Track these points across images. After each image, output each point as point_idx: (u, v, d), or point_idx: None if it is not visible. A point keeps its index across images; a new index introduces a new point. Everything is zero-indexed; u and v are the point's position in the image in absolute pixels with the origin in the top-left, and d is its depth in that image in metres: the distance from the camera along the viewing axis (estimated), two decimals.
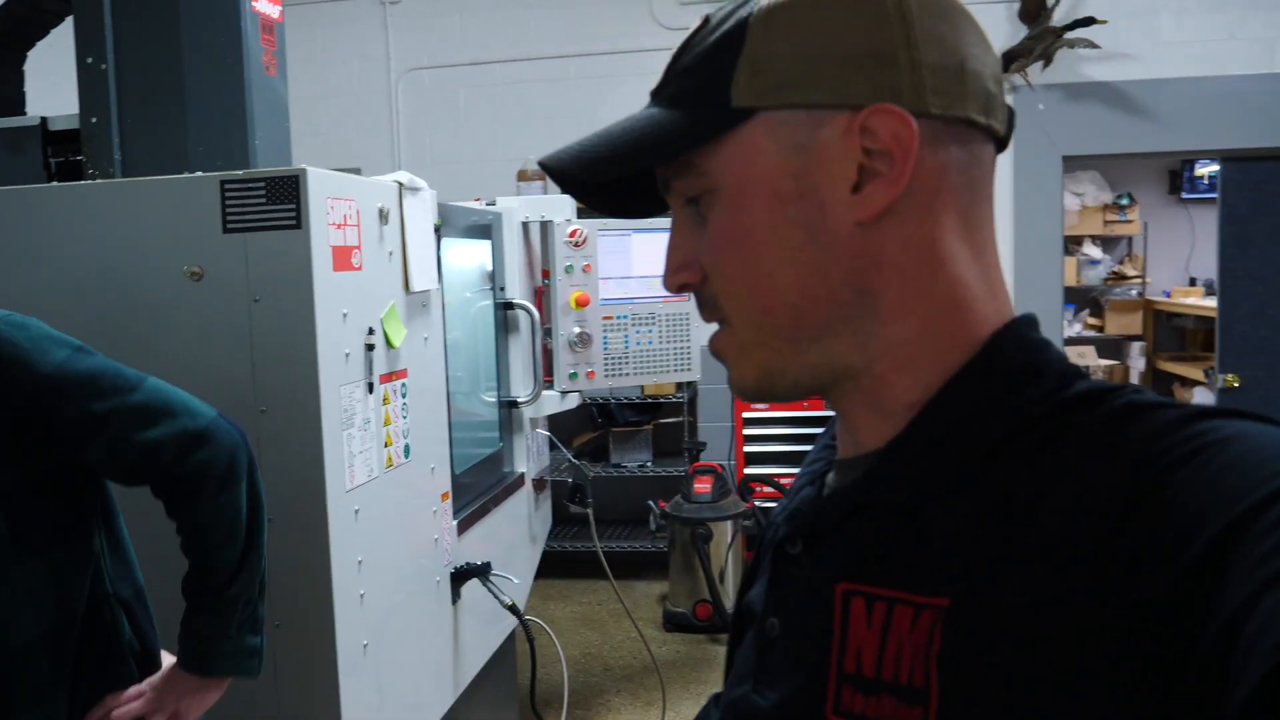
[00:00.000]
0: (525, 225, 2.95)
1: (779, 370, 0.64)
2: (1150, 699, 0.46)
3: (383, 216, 1.98)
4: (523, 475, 2.92)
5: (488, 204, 2.92)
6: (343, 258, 1.82)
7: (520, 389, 2.90)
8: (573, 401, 3.10)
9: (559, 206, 3.01)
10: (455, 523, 2.36)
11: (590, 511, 3.00)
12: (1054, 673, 0.50)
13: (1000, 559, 0.54)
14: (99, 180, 1.97)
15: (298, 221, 1.71)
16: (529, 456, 2.97)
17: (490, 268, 2.79)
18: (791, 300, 0.61)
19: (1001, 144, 0.65)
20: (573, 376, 2.96)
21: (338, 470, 1.78)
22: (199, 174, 1.79)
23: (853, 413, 0.65)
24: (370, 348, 1.90)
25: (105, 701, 1.39)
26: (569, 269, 2.94)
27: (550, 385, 2.98)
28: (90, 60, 2.15)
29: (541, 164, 0.66)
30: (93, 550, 1.38)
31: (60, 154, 2.30)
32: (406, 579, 2.08)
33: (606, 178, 0.65)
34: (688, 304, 3.02)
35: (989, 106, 0.62)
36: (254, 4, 2.05)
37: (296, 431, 1.74)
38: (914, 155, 0.58)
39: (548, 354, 3.00)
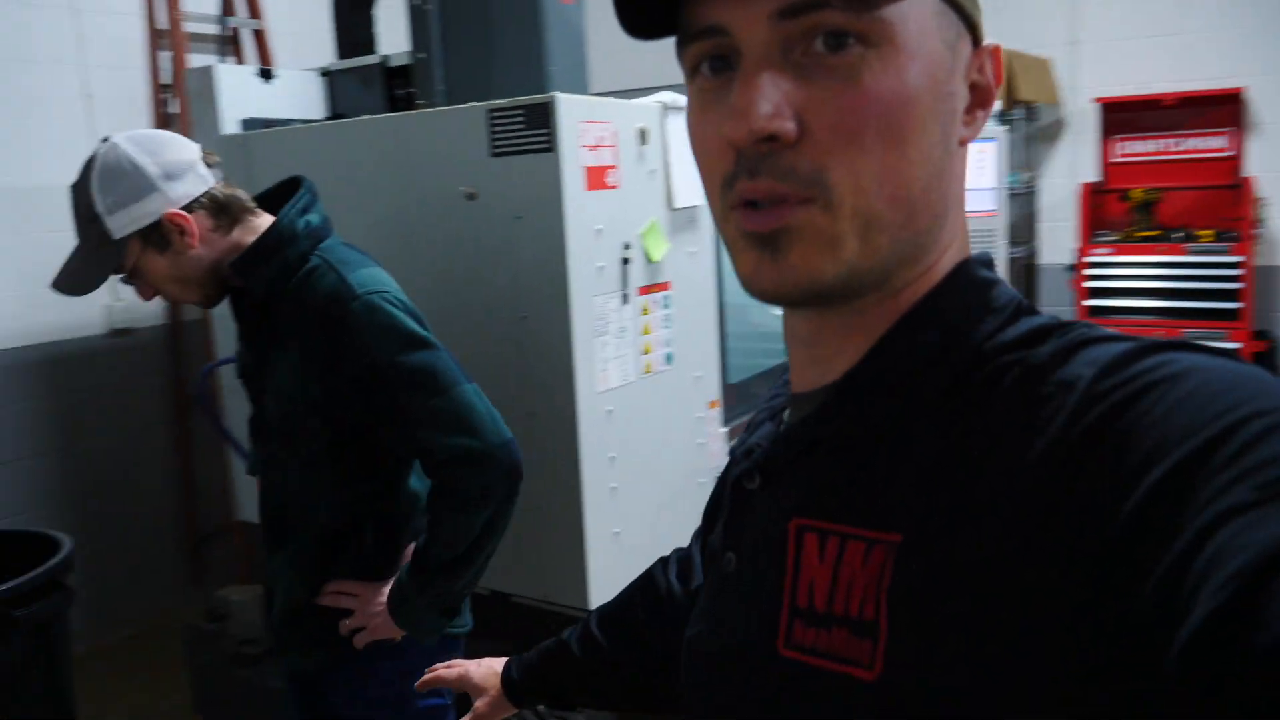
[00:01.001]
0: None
1: (864, 270, 0.57)
2: (1097, 634, 0.45)
3: (642, 137, 2.08)
4: None
5: None
6: (597, 177, 1.95)
7: None
8: None
9: None
10: (725, 429, 2.47)
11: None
12: (1002, 606, 0.49)
13: (953, 494, 0.53)
14: (402, 112, 2.25)
15: (550, 145, 1.86)
16: None
17: None
18: (914, 197, 0.56)
19: None
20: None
21: (589, 373, 1.95)
22: (471, 104, 1.99)
23: (834, 339, 0.62)
24: (626, 261, 2.04)
25: (332, 583, 1.61)
26: None
27: None
28: (417, 2, 2.43)
29: None
30: (388, 463, 1.61)
31: (400, 87, 2.64)
32: (666, 477, 2.23)
33: None
34: None
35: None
36: None
37: (551, 337, 1.93)
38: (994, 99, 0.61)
39: None
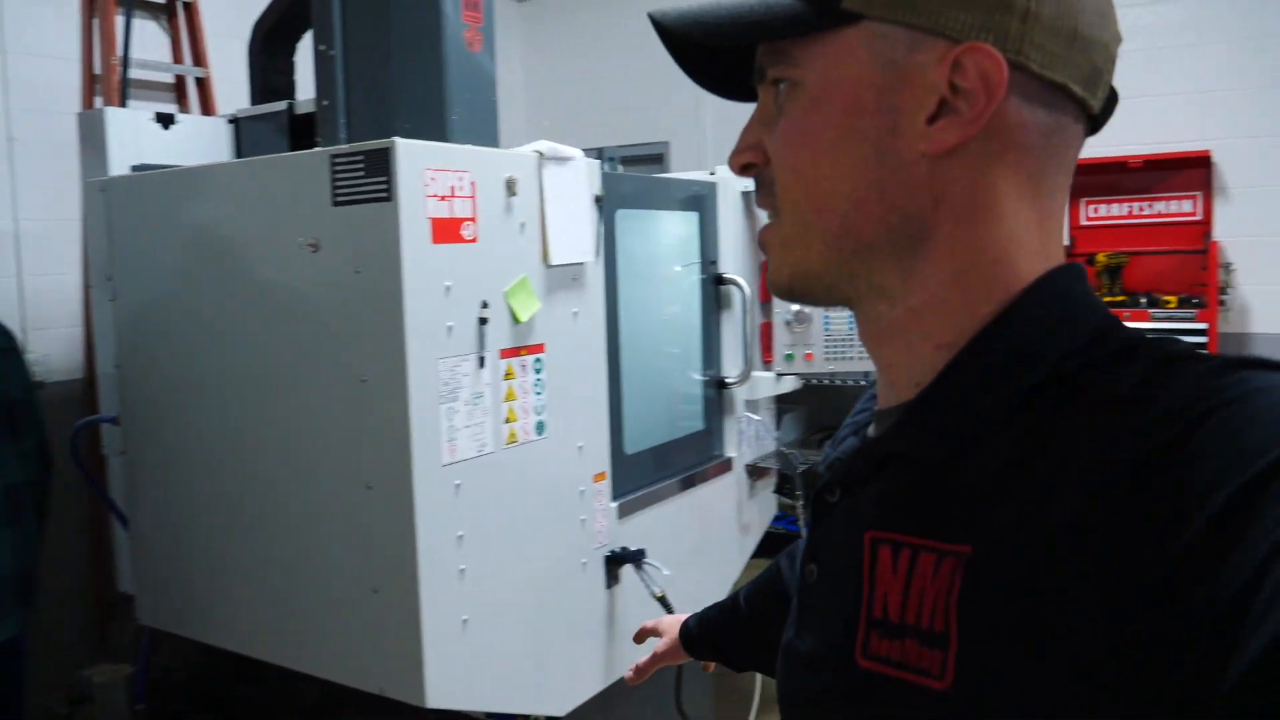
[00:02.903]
0: (747, 194, 2.77)
1: (815, 273, 0.65)
2: (1154, 659, 0.45)
3: (510, 188, 1.93)
4: (730, 460, 2.77)
5: (709, 173, 2.78)
6: (448, 229, 1.80)
7: (732, 369, 2.74)
8: (790, 384, 2.88)
9: None
10: (615, 504, 2.28)
11: (799, 504, 2.77)
12: (1065, 622, 0.50)
13: (1023, 509, 0.54)
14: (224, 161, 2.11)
15: (388, 194, 1.71)
16: (742, 441, 2.81)
17: (699, 240, 2.66)
18: (843, 208, 0.62)
19: (1095, 123, 0.65)
20: (789, 358, 2.75)
21: (432, 444, 1.78)
22: (316, 149, 1.85)
23: (887, 351, 0.66)
24: (484, 321, 1.88)
25: None
26: None
27: (770, 366, 2.79)
28: (323, 47, 2.31)
29: (652, 17, 0.66)
30: None
31: (308, 134, 2.51)
32: (538, 557, 2.05)
33: (707, 44, 0.64)
34: None
35: (1092, 80, 0.61)
36: None
37: (390, 402, 1.76)
38: (996, 102, 0.58)
39: (770, 334, 2.81)
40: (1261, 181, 4.07)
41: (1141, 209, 4.20)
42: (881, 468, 0.65)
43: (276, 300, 1.92)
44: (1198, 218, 4.12)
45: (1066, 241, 4.37)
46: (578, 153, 2.11)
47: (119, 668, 2.65)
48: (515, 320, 1.95)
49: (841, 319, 2.75)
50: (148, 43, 3.65)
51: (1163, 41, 4.25)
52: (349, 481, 1.84)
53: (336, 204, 1.79)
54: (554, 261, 2.04)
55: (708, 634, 1.25)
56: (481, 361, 1.88)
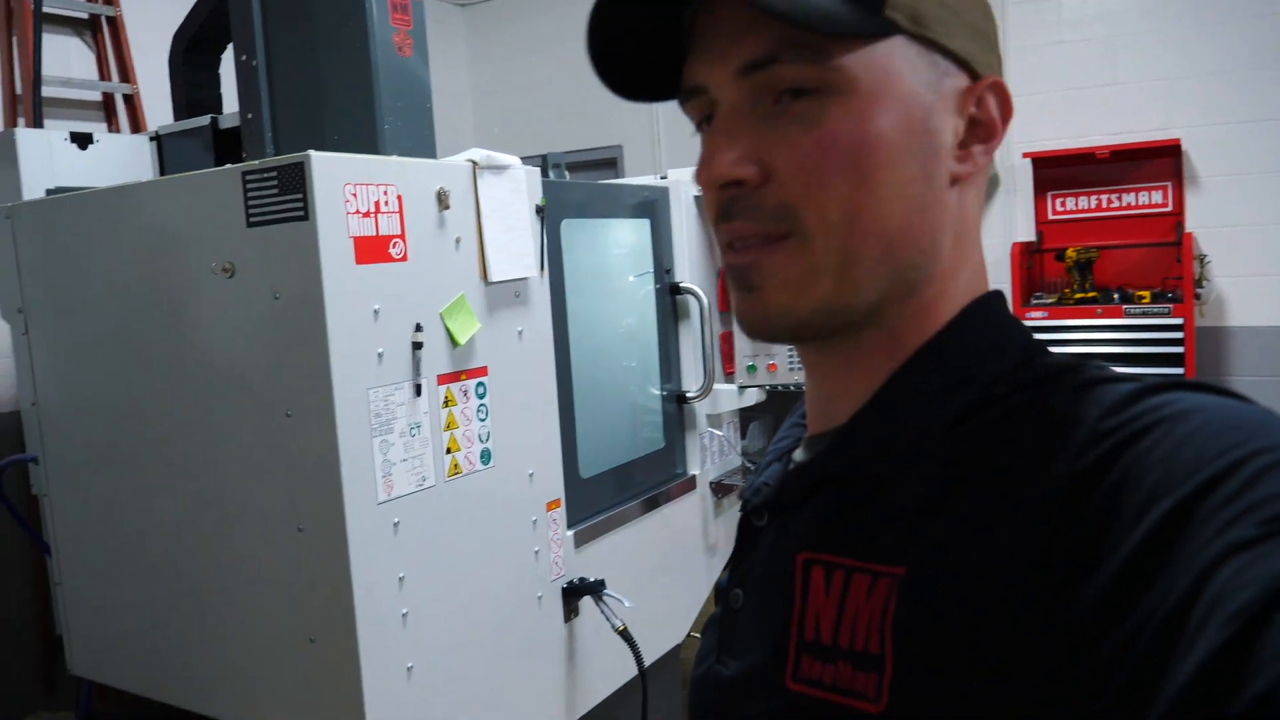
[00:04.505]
0: (699, 199, 2.66)
1: (842, 306, 0.59)
2: (1095, 671, 0.44)
3: (441, 200, 1.80)
4: (694, 478, 2.65)
5: (660, 178, 2.67)
6: (373, 248, 1.67)
7: (692, 382, 2.62)
8: (754, 397, 2.76)
9: None
10: (572, 533, 2.16)
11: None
12: (1001, 642, 0.49)
13: (957, 530, 0.53)
14: (133, 182, 1.97)
15: (305, 213, 1.58)
16: (706, 457, 2.69)
17: (652, 249, 2.53)
18: (891, 232, 0.58)
19: None
20: (750, 369, 2.63)
21: (365, 480, 1.65)
22: (226, 166, 1.71)
23: (846, 379, 0.64)
24: (418, 346, 1.74)
25: None
26: None
27: (732, 378, 2.67)
28: (244, 57, 2.17)
29: None
30: None
31: (234, 150, 2.37)
32: (489, 594, 1.91)
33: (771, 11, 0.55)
34: None
35: None
36: None
37: (317, 437, 1.63)
38: (1003, 135, 0.61)
39: (731, 343, 2.69)
40: (1234, 169, 3.97)
41: (1111, 201, 4.10)
42: (812, 491, 0.63)
43: (194, 330, 1.78)
44: (1169, 209, 4.02)
45: (1034, 236, 4.30)
46: (515, 160, 1.98)
47: (60, 716, 2.49)
48: (454, 343, 1.82)
49: None
50: (73, 61, 3.49)
51: (1127, 27, 4.15)
52: (279, 524, 1.70)
53: (251, 225, 1.65)
54: (494, 278, 1.91)
55: None
56: (418, 390, 1.75)
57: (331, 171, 1.60)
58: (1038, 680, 0.47)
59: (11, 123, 3.47)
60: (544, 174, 2.12)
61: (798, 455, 0.69)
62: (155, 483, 1.94)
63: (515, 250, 1.97)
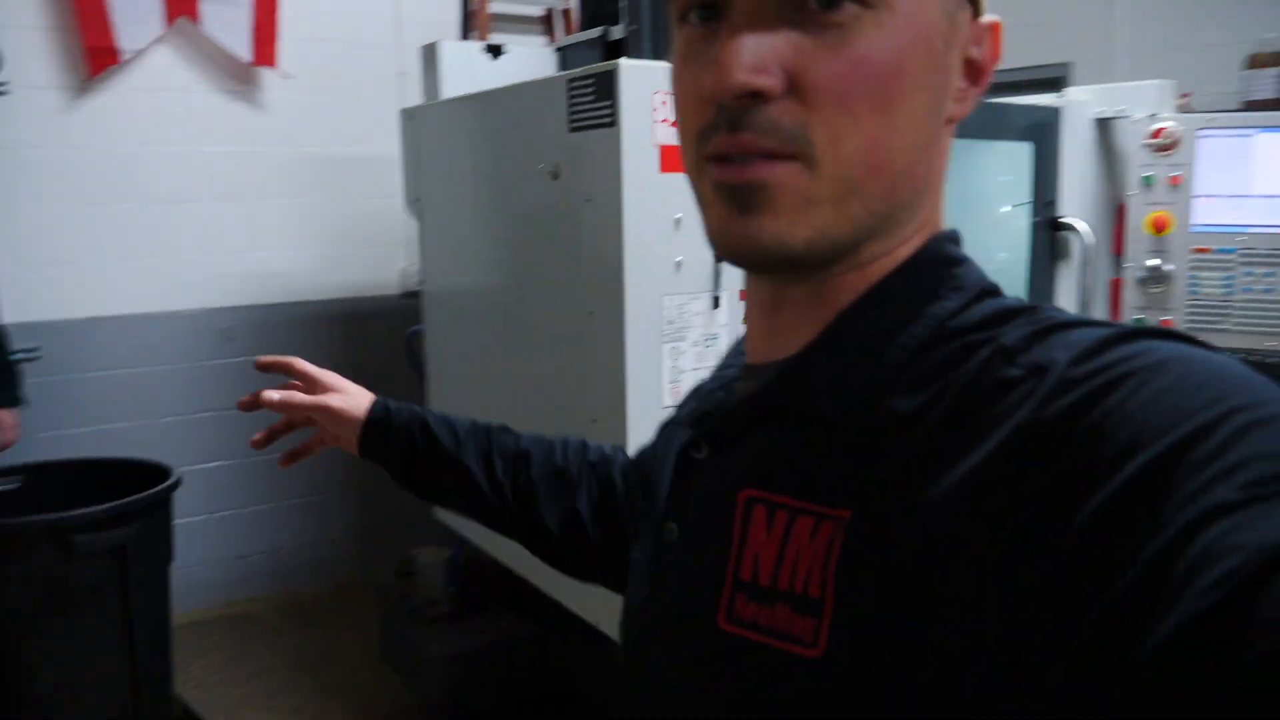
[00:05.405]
0: (1103, 123, 2.32)
1: (836, 240, 0.55)
2: (1050, 619, 0.43)
3: None
4: None
5: (1056, 96, 2.37)
6: (679, 157, 1.67)
7: None
8: None
9: (1139, 97, 2.30)
10: None
11: None
12: (951, 589, 0.47)
13: (908, 472, 0.51)
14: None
15: (613, 120, 1.62)
16: None
17: (1033, 176, 2.27)
18: (899, 166, 0.55)
19: None
20: (1138, 323, 2.28)
21: (651, 385, 1.69)
22: (558, 74, 1.79)
23: (799, 308, 0.60)
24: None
25: None
26: (1147, 180, 2.24)
27: None
28: None
29: None
30: None
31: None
32: None
33: None
34: None
35: None
36: None
37: (610, 337, 1.69)
38: (990, 79, 0.59)
39: (1119, 292, 2.36)
40: None
41: None
42: (756, 425, 0.60)
43: (524, 227, 1.91)
44: None
45: None
46: None
47: (441, 550, 2.89)
48: None
49: (1214, 281, 2.23)
50: None
51: None
52: (572, 418, 1.81)
53: (573, 130, 1.73)
54: None
55: (411, 448, 0.95)
56: (716, 302, 1.75)
57: (641, 79, 1.62)
58: (989, 627, 0.45)
59: (467, 36, 3.91)
60: None
61: (740, 387, 0.65)
62: (479, 370, 2.14)
63: None
